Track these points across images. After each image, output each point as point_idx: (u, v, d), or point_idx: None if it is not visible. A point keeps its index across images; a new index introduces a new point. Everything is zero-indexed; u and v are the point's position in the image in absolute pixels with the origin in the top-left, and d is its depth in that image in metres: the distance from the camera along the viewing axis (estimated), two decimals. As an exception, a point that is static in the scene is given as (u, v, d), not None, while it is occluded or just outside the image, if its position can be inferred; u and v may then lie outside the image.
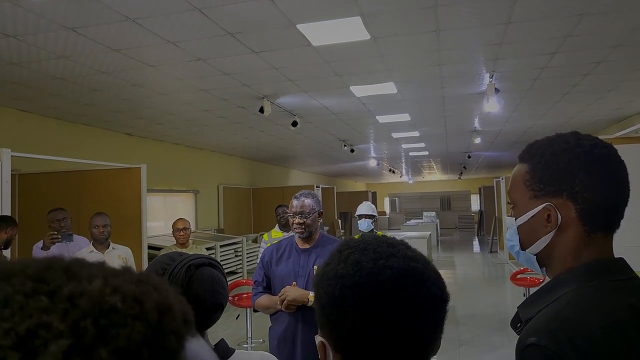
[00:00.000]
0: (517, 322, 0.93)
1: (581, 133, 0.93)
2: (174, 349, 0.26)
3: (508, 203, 1.01)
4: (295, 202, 2.58)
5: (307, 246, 2.57)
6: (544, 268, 0.96)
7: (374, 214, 4.68)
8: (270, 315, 2.61)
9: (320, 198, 14.42)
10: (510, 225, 1.00)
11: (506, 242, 1.04)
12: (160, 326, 0.26)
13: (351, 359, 0.67)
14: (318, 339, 0.71)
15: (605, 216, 0.89)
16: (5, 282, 0.26)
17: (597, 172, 0.88)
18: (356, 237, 0.81)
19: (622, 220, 0.92)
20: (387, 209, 29.44)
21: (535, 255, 0.95)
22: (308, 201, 2.58)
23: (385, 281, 0.66)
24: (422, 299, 0.66)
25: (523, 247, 0.97)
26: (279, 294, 2.46)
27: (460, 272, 11.59)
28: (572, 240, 0.89)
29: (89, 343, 0.23)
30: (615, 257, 0.91)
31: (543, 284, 0.95)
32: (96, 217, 4.21)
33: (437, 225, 17.92)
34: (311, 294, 2.39)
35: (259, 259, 2.69)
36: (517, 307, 0.95)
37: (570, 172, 0.88)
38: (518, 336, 0.86)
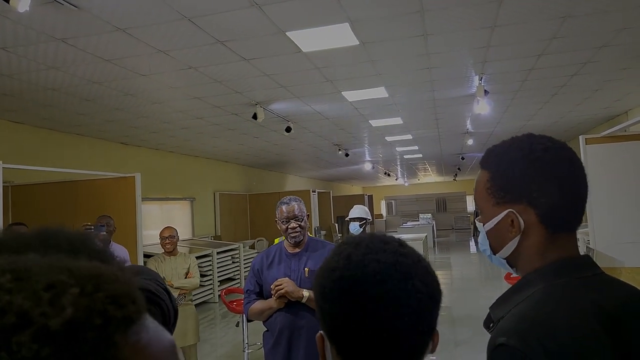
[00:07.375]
0: (489, 323, 0.95)
1: (535, 135, 0.96)
2: (111, 316, 0.35)
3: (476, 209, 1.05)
4: (286, 208, 2.61)
5: (296, 250, 2.62)
6: (514, 268, 0.99)
7: (365, 217, 4.70)
8: (264, 322, 2.63)
9: (316, 202, 14.19)
10: (481, 230, 1.03)
11: (479, 246, 1.08)
12: (98, 296, 0.35)
13: (344, 350, 0.70)
14: (319, 333, 0.75)
15: (565, 217, 0.92)
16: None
17: (551, 176, 0.90)
18: None
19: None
20: (384, 212, 29.47)
21: (505, 258, 0.99)
22: (298, 205, 2.63)
23: (370, 273, 0.68)
24: (406, 292, 0.67)
25: (494, 251, 1.00)
26: (274, 285, 2.48)
27: (457, 272, 11.63)
28: (537, 242, 0.93)
29: (44, 306, 0.33)
30: (581, 254, 0.94)
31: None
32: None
33: (433, 226, 17.98)
34: (305, 292, 2.44)
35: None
36: (489, 308, 0.97)
37: (525, 179, 0.91)
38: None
